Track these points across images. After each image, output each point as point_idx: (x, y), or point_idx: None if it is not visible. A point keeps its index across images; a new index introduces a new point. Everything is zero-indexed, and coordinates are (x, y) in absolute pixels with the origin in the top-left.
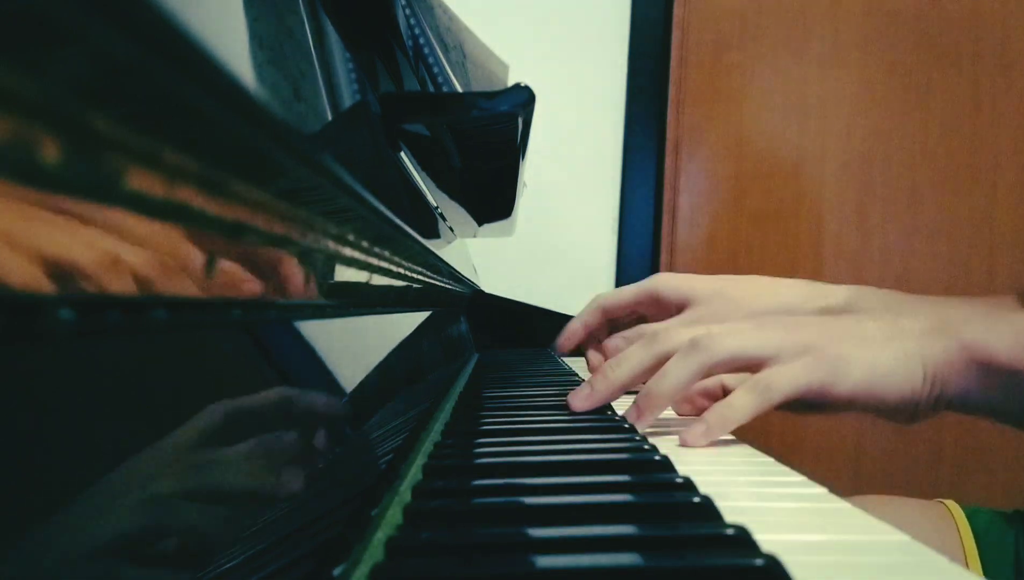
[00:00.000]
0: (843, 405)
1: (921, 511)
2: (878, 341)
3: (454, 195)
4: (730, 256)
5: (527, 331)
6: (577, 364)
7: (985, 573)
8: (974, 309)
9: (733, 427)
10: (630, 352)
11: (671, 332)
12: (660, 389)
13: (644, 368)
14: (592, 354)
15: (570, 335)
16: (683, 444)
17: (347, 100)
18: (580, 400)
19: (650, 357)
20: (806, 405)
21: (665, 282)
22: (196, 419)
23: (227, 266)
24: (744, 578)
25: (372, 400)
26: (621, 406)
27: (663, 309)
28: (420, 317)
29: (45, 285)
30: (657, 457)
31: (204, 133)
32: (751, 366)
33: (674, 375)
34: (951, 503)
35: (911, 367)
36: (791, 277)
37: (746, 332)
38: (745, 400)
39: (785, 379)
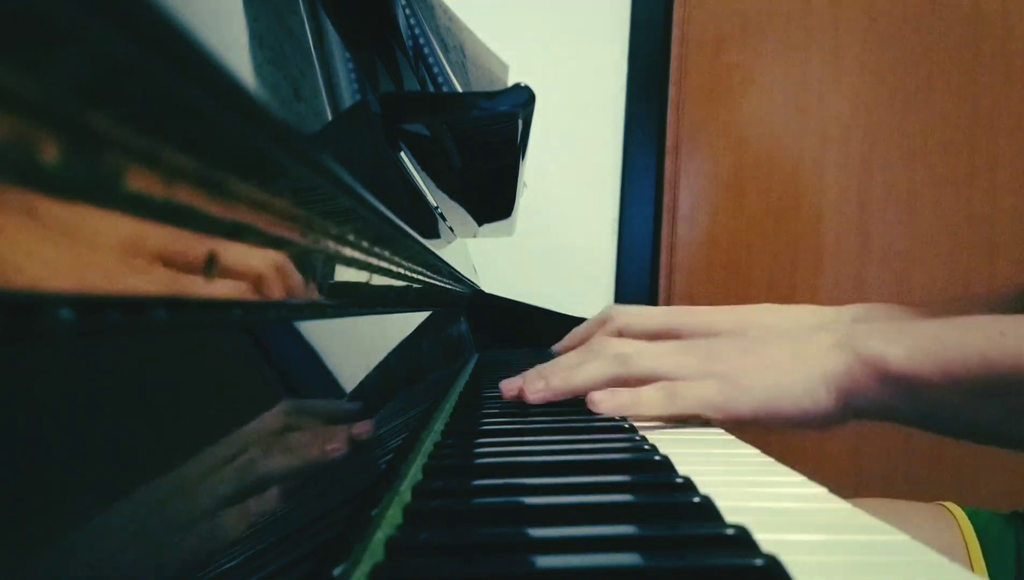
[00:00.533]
0: (748, 422)
1: (922, 513)
2: (783, 364)
3: (454, 195)
4: (730, 256)
5: (527, 331)
6: None
7: (989, 574)
8: (877, 326)
9: (636, 414)
10: (568, 356)
11: (608, 342)
12: (574, 378)
13: (574, 368)
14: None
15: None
16: (589, 405)
17: (347, 100)
18: (509, 390)
19: (581, 362)
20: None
21: (689, 319)
22: (196, 419)
23: (227, 266)
24: (744, 578)
25: (372, 400)
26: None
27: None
28: (420, 317)
29: (45, 285)
30: (657, 457)
31: (204, 133)
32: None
33: (590, 371)
34: (952, 505)
35: (811, 384)
36: (790, 275)
37: (667, 355)
38: (655, 395)
39: (690, 393)
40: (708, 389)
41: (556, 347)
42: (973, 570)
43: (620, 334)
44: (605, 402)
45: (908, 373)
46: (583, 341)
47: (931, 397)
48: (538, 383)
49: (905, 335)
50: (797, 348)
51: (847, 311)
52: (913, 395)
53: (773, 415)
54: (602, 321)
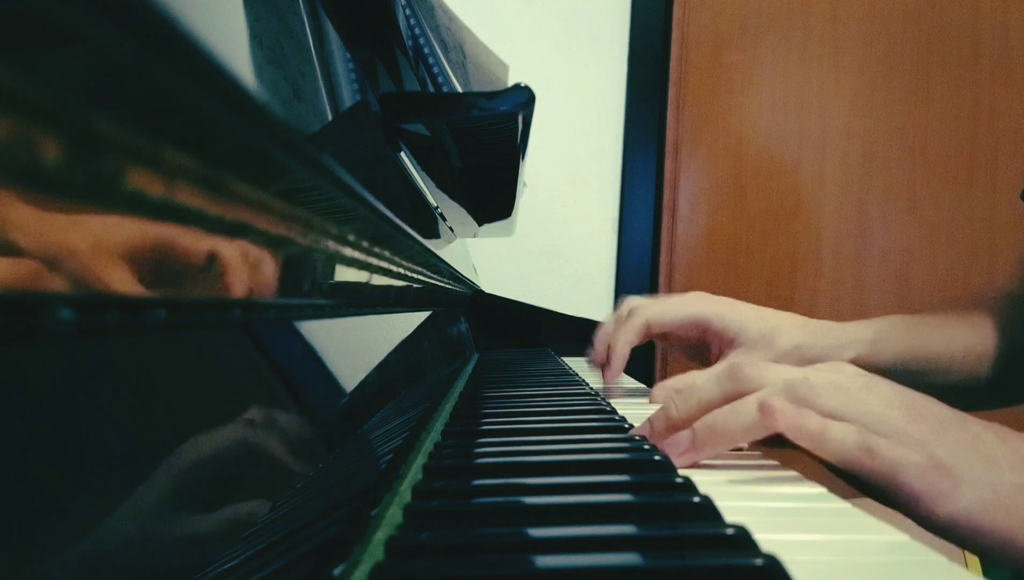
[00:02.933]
0: (932, 527)
1: None
2: (1001, 462)
3: (454, 195)
4: (730, 256)
5: (527, 331)
6: (577, 364)
7: (985, 575)
8: None
9: (810, 445)
10: (703, 385)
11: (760, 368)
12: (730, 425)
13: (716, 406)
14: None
15: (617, 359)
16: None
17: (347, 100)
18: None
19: (724, 394)
20: (890, 502)
21: (716, 312)
22: (196, 419)
23: (227, 266)
24: (744, 578)
25: (372, 400)
26: (627, 411)
27: (707, 338)
28: (420, 317)
29: (45, 285)
30: (657, 457)
31: (204, 133)
32: None
33: (754, 412)
34: None
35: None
36: (791, 276)
37: (856, 395)
38: (845, 438)
39: (892, 457)
40: (911, 462)
41: (591, 356)
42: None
43: (648, 328)
44: (787, 416)
45: None
46: (609, 338)
47: None
48: (683, 436)
49: None
50: (1016, 451)
51: (869, 326)
52: None
53: (975, 532)
54: (623, 316)
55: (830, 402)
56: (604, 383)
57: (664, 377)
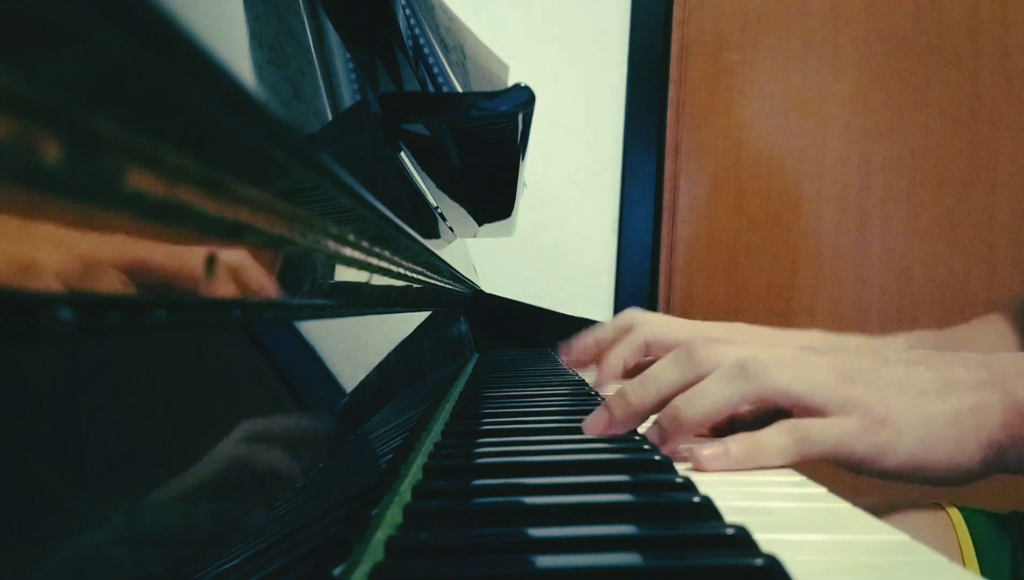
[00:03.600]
0: (885, 476)
1: (919, 515)
2: (932, 395)
3: (454, 195)
4: (730, 256)
5: (527, 331)
6: None
7: (983, 574)
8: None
9: (756, 466)
10: (659, 369)
11: (713, 348)
12: (692, 411)
13: (675, 390)
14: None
15: (608, 373)
16: (696, 466)
17: (347, 100)
18: (596, 426)
19: (683, 376)
20: (844, 467)
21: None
22: (196, 419)
23: (227, 266)
24: (744, 578)
25: (372, 400)
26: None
27: None
28: (420, 317)
29: (45, 285)
30: (657, 457)
31: (204, 133)
32: (794, 409)
33: (712, 397)
34: (949, 507)
35: (964, 433)
36: (790, 275)
37: (798, 367)
38: (779, 442)
39: (830, 437)
40: (848, 430)
41: (568, 353)
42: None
43: (648, 348)
44: (716, 461)
45: None
46: (600, 346)
47: None
48: (651, 434)
49: None
50: (940, 377)
51: (899, 342)
52: None
53: (922, 471)
54: (623, 328)
55: (778, 377)
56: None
57: None
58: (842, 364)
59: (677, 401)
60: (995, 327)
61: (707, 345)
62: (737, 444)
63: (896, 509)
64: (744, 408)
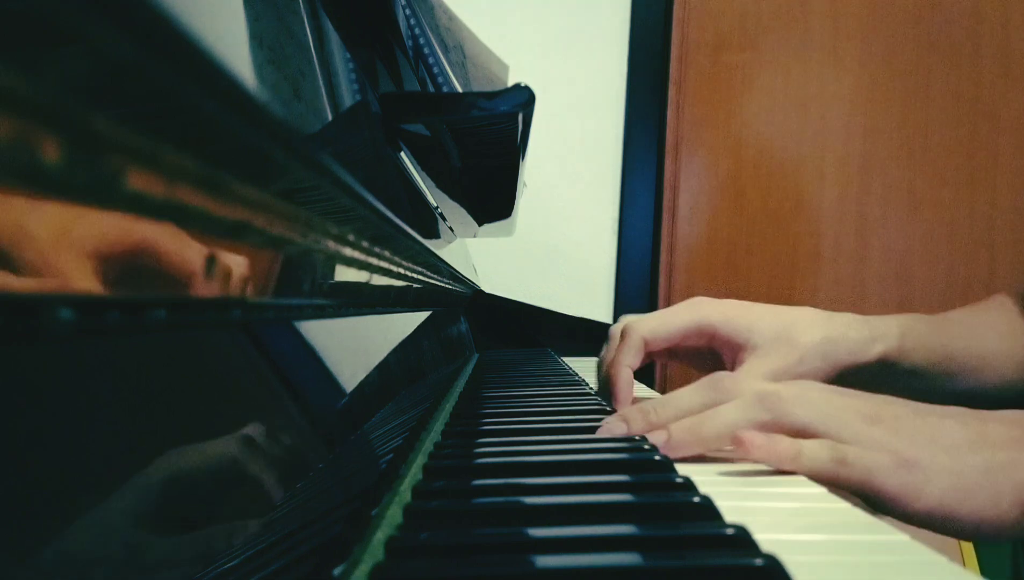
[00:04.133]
0: (909, 521)
1: None
2: (962, 449)
3: (454, 195)
4: (730, 256)
5: (527, 331)
6: (577, 364)
7: (983, 575)
8: None
9: (787, 467)
10: (683, 393)
11: (737, 381)
12: (706, 428)
13: (695, 413)
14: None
15: (623, 386)
16: (741, 445)
17: (347, 100)
18: (611, 433)
19: (704, 403)
20: (867, 502)
21: (721, 315)
22: (196, 419)
23: (227, 266)
24: (744, 578)
25: (372, 400)
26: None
27: (717, 346)
28: (420, 317)
29: (45, 285)
30: (657, 457)
31: (204, 133)
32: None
33: (727, 418)
34: None
35: (997, 487)
36: (790, 275)
37: (820, 404)
38: (820, 455)
39: (862, 465)
40: (880, 465)
41: (617, 401)
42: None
43: (647, 345)
44: (761, 448)
45: None
46: (608, 367)
47: None
48: (659, 435)
49: None
50: (972, 432)
51: (894, 321)
52: None
53: (952, 520)
54: (615, 336)
55: (799, 411)
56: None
57: (665, 392)
58: (869, 408)
59: (695, 417)
60: (1002, 309)
61: (732, 378)
62: (784, 442)
63: None
64: None
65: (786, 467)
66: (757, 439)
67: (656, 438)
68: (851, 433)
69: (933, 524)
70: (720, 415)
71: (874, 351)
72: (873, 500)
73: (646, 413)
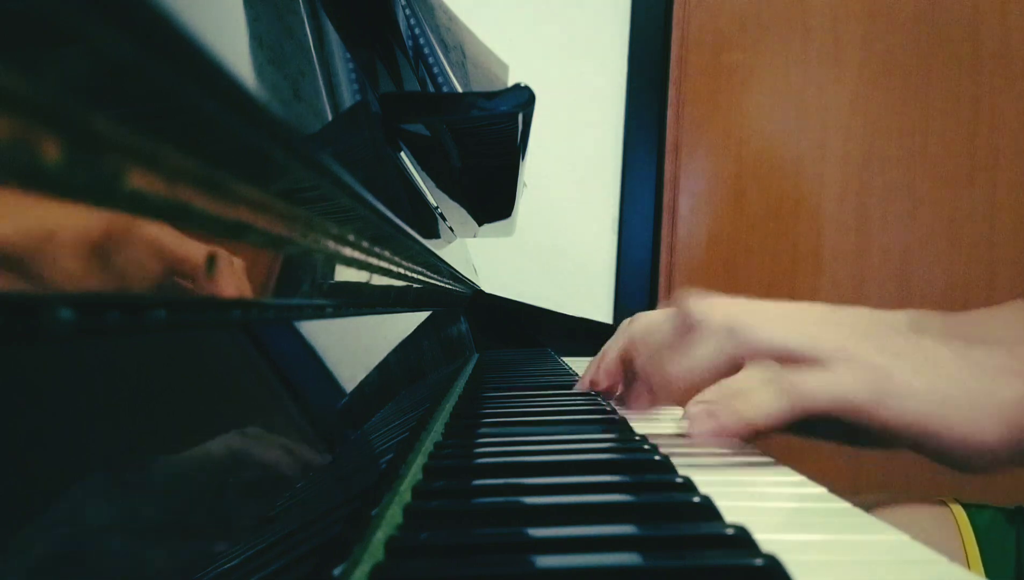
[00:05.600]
0: (890, 436)
1: (921, 512)
2: (947, 365)
3: (454, 195)
4: (730, 256)
5: (527, 331)
6: (578, 364)
7: (987, 574)
8: None
9: (747, 428)
10: (658, 330)
11: (703, 307)
12: (680, 373)
13: (663, 348)
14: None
15: (607, 363)
16: (688, 433)
17: (347, 100)
18: (585, 385)
19: (676, 334)
20: (844, 431)
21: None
22: (196, 419)
23: (227, 266)
24: (744, 578)
25: (372, 400)
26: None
27: None
28: (420, 317)
29: (45, 285)
30: (657, 457)
31: (204, 133)
32: (788, 364)
33: (700, 356)
34: (952, 503)
35: (983, 406)
36: (791, 275)
37: (787, 321)
38: (766, 398)
39: (822, 386)
40: (842, 380)
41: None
42: (970, 570)
43: (632, 336)
44: (704, 426)
45: None
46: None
47: None
48: (640, 391)
49: None
50: (960, 354)
51: (901, 316)
52: None
53: (926, 435)
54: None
55: (765, 336)
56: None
57: None
58: (844, 320)
59: (663, 362)
60: (1015, 313)
61: (702, 306)
62: (724, 407)
63: (898, 504)
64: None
65: (742, 427)
66: (704, 421)
67: (641, 393)
68: (819, 347)
69: (911, 440)
70: (692, 358)
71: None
72: (844, 418)
73: (610, 355)
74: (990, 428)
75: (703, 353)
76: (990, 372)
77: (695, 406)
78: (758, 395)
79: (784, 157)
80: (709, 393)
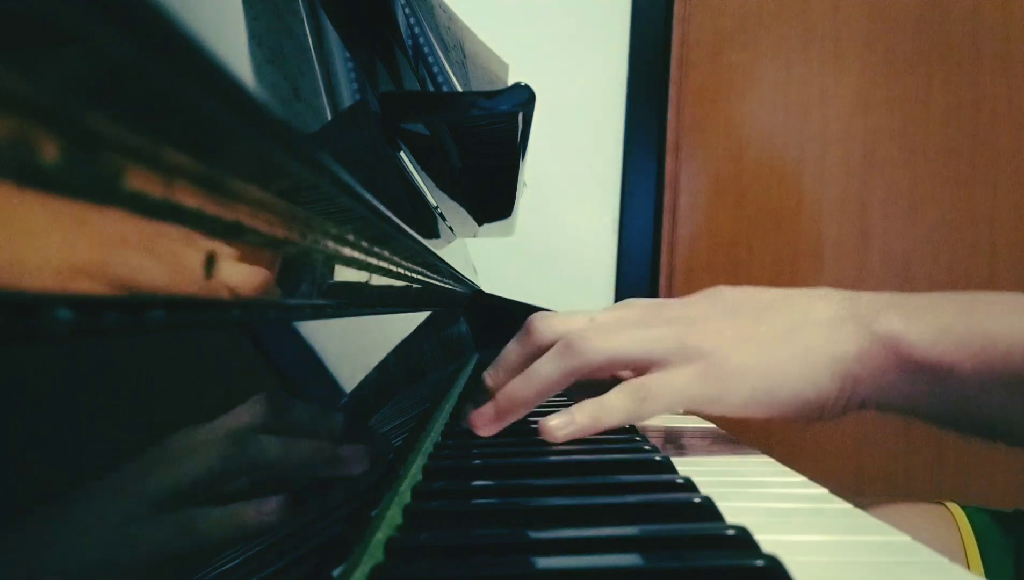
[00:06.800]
0: (737, 417)
1: (922, 513)
2: (776, 340)
3: (454, 195)
4: (730, 256)
5: None
6: None
7: (987, 575)
8: (897, 298)
9: (601, 428)
10: (507, 350)
11: (549, 322)
12: (521, 391)
13: (518, 369)
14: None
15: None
16: (547, 437)
17: (347, 99)
18: (471, 421)
19: (524, 355)
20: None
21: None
22: (195, 419)
23: (227, 266)
24: (745, 578)
25: (372, 400)
26: None
27: None
28: (420, 317)
29: (44, 285)
30: (658, 457)
31: (202, 133)
32: (635, 369)
33: (540, 376)
34: (952, 505)
35: (815, 367)
36: (791, 276)
37: (628, 330)
38: (620, 403)
39: (668, 390)
40: (688, 379)
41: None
42: (970, 571)
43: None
44: (562, 429)
45: (935, 359)
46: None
47: (959, 389)
48: (486, 411)
49: (929, 312)
50: (793, 320)
51: (864, 298)
52: (937, 385)
53: (768, 409)
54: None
55: (601, 346)
56: None
57: None
58: (680, 315)
59: (514, 382)
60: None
61: (543, 318)
62: (581, 411)
63: (899, 505)
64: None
65: (597, 429)
66: (555, 424)
67: (485, 411)
68: (662, 349)
69: (753, 413)
70: (535, 376)
71: None
72: (694, 411)
73: (485, 383)
74: (826, 384)
75: (549, 373)
76: (825, 328)
77: (559, 417)
78: (614, 402)
79: (785, 157)
80: (576, 407)
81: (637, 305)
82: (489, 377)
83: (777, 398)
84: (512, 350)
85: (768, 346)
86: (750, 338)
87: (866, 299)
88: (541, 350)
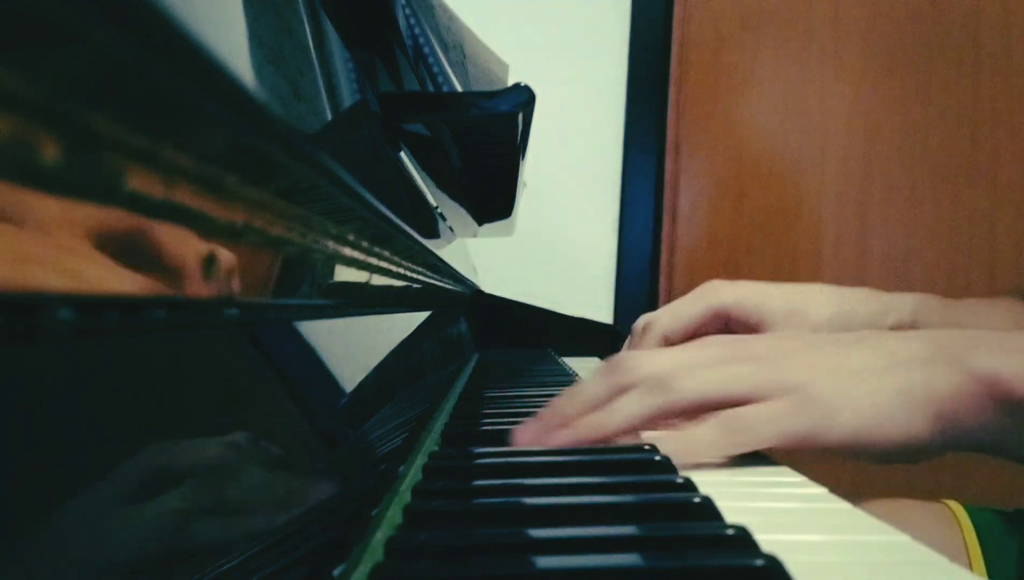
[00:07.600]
0: (831, 452)
1: (923, 512)
2: (875, 372)
3: (454, 195)
4: (730, 256)
5: (527, 331)
6: (577, 364)
7: (989, 574)
8: (983, 335)
9: (688, 462)
10: (588, 384)
11: (636, 359)
12: (603, 425)
13: (598, 404)
14: None
15: None
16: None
17: (347, 99)
18: (523, 438)
19: (608, 389)
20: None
21: (733, 297)
22: (195, 419)
23: (227, 266)
24: (745, 578)
25: (372, 400)
26: None
27: (733, 327)
28: (420, 317)
29: (44, 285)
30: (657, 457)
31: (203, 133)
32: (726, 407)
33: (624, 413)
34: (954, 504)
35: (913, 404)
36: (791, 276)
37: (718, 368)
38: (714, 437)
39: (766, 424)
40: (781, 414)
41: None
42: (972, 571)
43: (666, 341)
44: (672, 451)
45: None
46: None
47: None
48: (562, 432)
49: (1021, 350)
50: (886, 352)
51: (906, 298)
52: None
53: (866, 446)
54: (638, 332)
55: (688, 385)
56: None
57: None
58: (767, 349)
59: (599, 414)
60: (1009, 303)
61: (632, 357)
62: (674, 444)
63: (900, 504)
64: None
65: (690, 462)
66: (666, 445)
67: (561, 435)
68: (753, 385)
69: (851, 451)
70: (619, 411)
71: (886, 324)
72: (790, 447)
73: (558, 409)
74: (923, 425)
75: (632, 411)
76: (918, 364)
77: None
78: (709, 435)
79: (785, 157)
80: (666, 438)
81: (719, 342)
82: (569, 405)
83: (883, 434)
84: (596, 384)
85: (867, 379)
86: (845, 369)
87: (954, 337)
88: (625, 388)
